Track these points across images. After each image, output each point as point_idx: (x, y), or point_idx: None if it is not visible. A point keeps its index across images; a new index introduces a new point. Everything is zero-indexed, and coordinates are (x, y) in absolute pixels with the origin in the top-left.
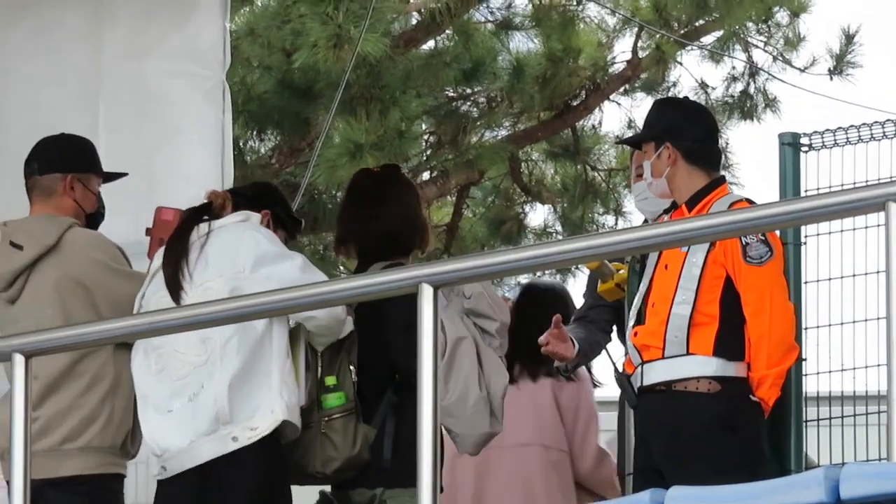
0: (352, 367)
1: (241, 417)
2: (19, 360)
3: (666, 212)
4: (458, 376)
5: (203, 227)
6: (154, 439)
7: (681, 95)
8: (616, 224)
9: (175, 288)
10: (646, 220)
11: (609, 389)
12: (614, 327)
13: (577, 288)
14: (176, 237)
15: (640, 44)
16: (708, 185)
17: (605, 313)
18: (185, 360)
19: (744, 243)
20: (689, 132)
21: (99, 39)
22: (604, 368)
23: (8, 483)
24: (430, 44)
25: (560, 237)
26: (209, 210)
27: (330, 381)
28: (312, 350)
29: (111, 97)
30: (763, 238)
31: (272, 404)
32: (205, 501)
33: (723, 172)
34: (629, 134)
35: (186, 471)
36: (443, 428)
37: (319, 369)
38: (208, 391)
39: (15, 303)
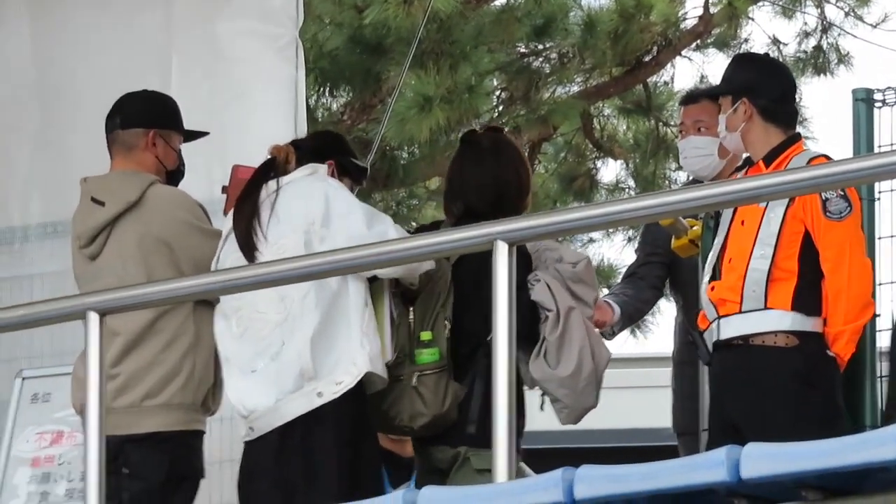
0: (447, 323)
1: (324, 372)
2: (94, 317)
3: (738, 169)
4: (573, 348)
5: (271, 184)
6: (240, 401)
7: (752, 51)
8: (687, 179)
9: (249, 248)
10: (688, 177)
11: (665, 345)
12: (666, 283)
13: None
14: (244, 197)
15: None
16: (784, 142)
17: (655, 269)
18: (266, 319)
19: (823, 198)
20: (766, 89)
21: (170, 1)
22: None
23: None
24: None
25: (632, 193)
26: (274, 165)
27: (425, 336)
28: (405, 304)
29: (184, 58)
30: (843, 193)
31: (354, 357)
32: (289, 457)
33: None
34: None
35: (268, 434)
36: (547, 398)
37: (412, 323)
38: (290, 348)
39: (96, 259)
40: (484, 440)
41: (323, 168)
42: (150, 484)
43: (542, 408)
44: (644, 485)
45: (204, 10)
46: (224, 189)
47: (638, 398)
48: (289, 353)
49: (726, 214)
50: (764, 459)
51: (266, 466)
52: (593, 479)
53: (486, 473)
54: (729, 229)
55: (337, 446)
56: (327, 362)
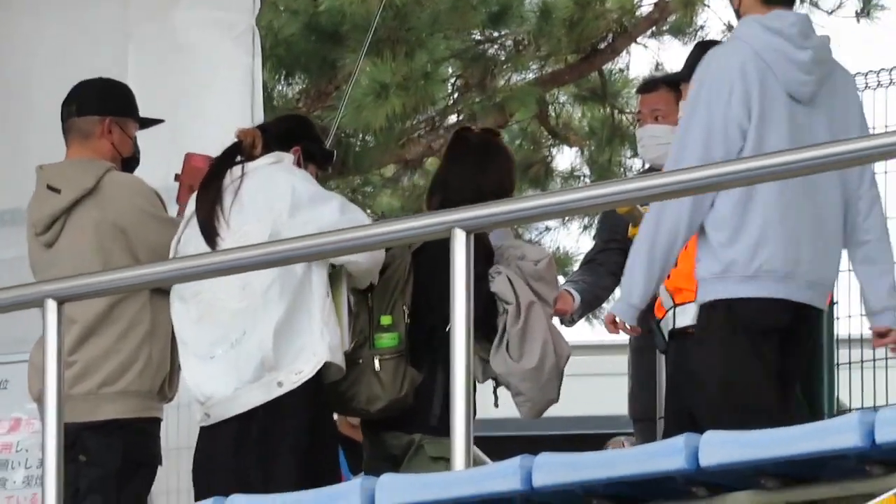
0: (405, 309)
1: (284, 362)
2: (52, 305)
3: None
4: (535, 341)
5: (236, 170)
6: (197, 386)
7: (709, 38)
8: (643, 167)
9: (210, 233)
10: (643, 165)
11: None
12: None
13: None
14: (209, 181)
15: None
16: None
17: (614, 256)
18: (225, 306)
19: None
20: None
21: None
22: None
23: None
24: None
25: (587, 181)
26: (240, 149)
27: (385, 320)
28: (363, 290)
29: (140, 47)
30: None
31: (314, 347)
32: (247, 446)
33: None
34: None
35: (225, 421)
36: (509, 391)
37: (371, 307)
38: (252, 338)
39: (52, 246)
40: (442, 429)
41: (288, 157)
42: (107, 471)
43: (496, 404)
44: (603, 472)
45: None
46: (177, 177)
47: (593, 386)
48: (250, 342)
49: None
50: (722, 447)
51: (223, 454)
52: (552, 466)
53: (440, 461)
54: None
55: (295, 436)
56: (289, 352)
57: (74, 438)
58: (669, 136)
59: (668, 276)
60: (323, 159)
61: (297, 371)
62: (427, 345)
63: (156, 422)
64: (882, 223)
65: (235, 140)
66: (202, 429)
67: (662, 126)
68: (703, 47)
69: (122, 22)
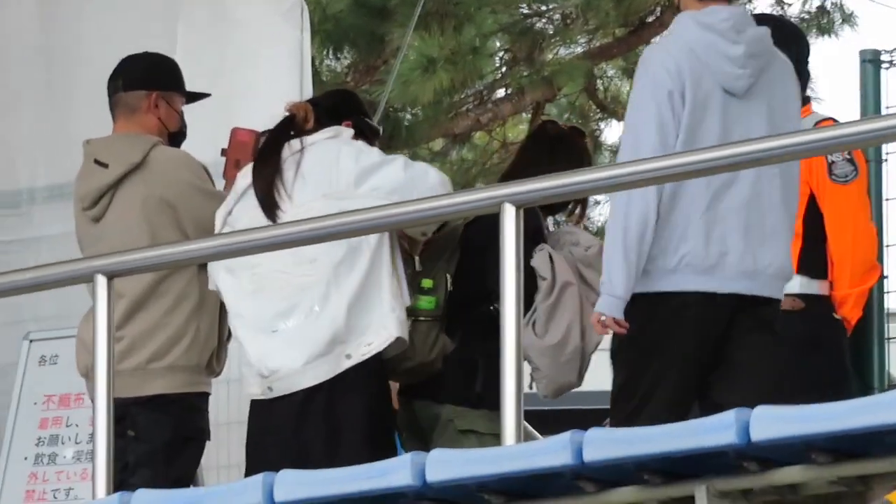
0: (448, 277)
1: (354, 335)
2: (101, 280)
3: None
4: (562, 321)
5: (295, 143)
6: (260, 360)
7: (756, 11)
8: None
9: (270, 207)
10: None
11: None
12: None
13: None
14: (266, 154)
15: None
16: None
17: None
18: (289, 280)
19: (829, 161)
20: (783, 51)
21: None
22: None
23: (93, 400)
24: None
25: None
26: (293, 123)
27: (426, 283)
28: (409, 254)
29: (189, 21)
30: (849, 157)
31: (384, 320)
32: (311, 420)
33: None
34: None
35: (290, 395)
36: (528, 364)
37: (414, 269)
38: (325, 312)
39: (99, 221)
40: (471, 400)
41: (347, 131)
42: (156, 446)
43: (530, 387)
44: (653, 447)
45: None
46: (223, 151)
47: None
48: (323, 317)
49: None
50: (773, 422)
51: (284, 428)
52: (602, 441)
53: (469, 434)
54: None
55: (361, 410)
56: (358, 326)
57: (123, 413)
58: None
59: None
60: (371, 134)
61: (367, 343)
62: (464, 315)
63: (204, 396)
64: None
65: (287, 114)
66: (258, 402)
67: None
68: (758, 21)
69: None
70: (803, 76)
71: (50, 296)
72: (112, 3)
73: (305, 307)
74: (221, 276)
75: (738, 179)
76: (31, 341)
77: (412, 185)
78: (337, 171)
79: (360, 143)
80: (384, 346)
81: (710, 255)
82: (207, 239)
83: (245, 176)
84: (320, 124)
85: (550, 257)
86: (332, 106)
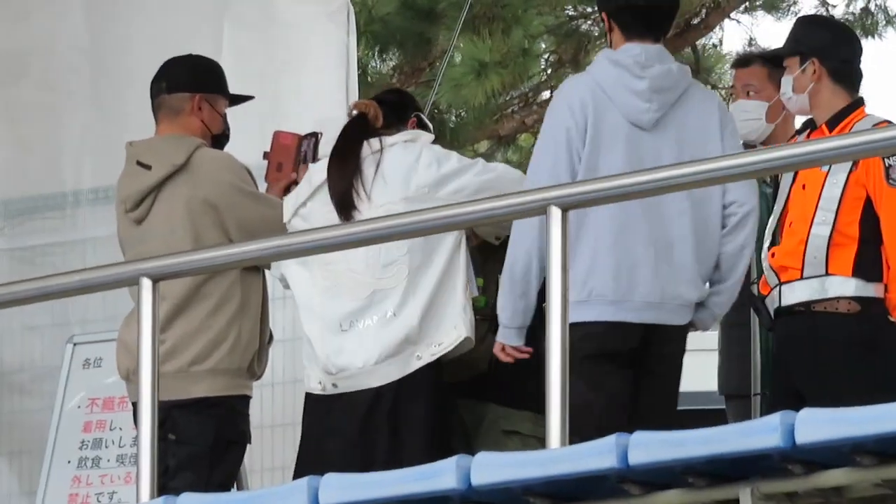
0: (498, 276)
1: (425, 335)
2: (147, 284)
3: (799, 132)
4: None
5: (374, 143)
6: (328, 357)
7: (801, 13)
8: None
9: (346, 206)
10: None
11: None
12: None
13: None
14: (346, 152)
15: None
16: (848, 106)
17: None
18: (363, 280)
19: (887, 165)
20: (838, 51)
21: None
22: None
23: (134, 405)
24: None
25: None
26: (366, 122)
27: (479, 281)
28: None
29: (236, 22)
30: None
31: (454, 320)
32: (377, 419)
33: None
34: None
35: (355, 393)
36: None
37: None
38: (401, 317)
39: (142, 223)
40: (516, 401)
41: (426, 136)
42: (197, 449)
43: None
44: (699, 450)
45: None
46: (265, 155)
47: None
48: (398, 321)
49: (786, 178)
50: (819, 424)
51: (348, 426)
52: (648, 444)
53: (513, 436)
54: (789, 193)
55: (427, 410)
56: (430, 327)
57: (164, 417)
58: (760, 112)
59: (773, 255)
60: (428, 133)
61: (438, 343)
62: None
63: (245, 399)
64: (734, 248)
65: (356, 112)
66: (317, 398)
67: (753, 101)
68: (809, 21)
69: None
70: (856, 77)
71: (96, 299)
72: (158, 6)
73: (381, 311)
74: (293, 268)
75: (646, 215)
76: (75, 344)
77: (493, 186)
78: (416, 175)
79: (439, 148)
80: (454, 346)
81: (619, 287)
82: (251, 242)
83: (321, 170)
84: (388, 122)
85: None
86: (395, 103)
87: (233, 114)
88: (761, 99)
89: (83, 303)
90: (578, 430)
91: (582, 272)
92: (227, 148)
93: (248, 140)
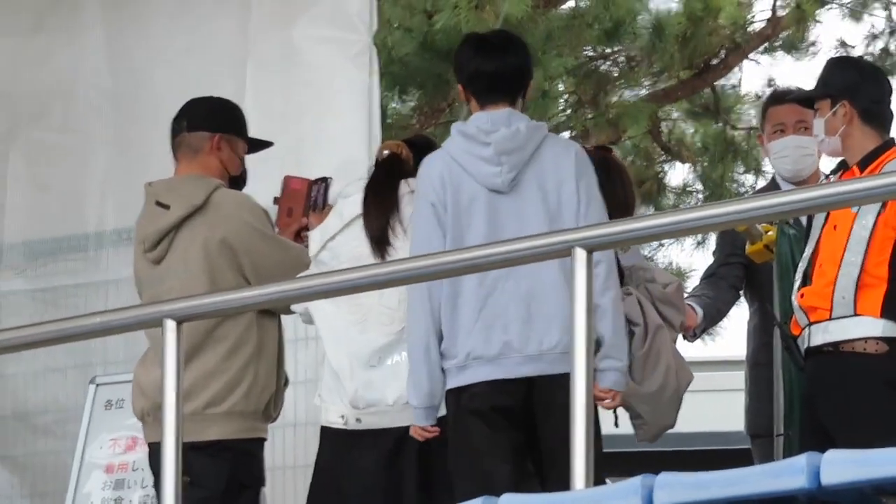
0: None
1: None
2: (171, 325)
3: (833, 172)
4: (659, 367)
5: (412, 182)
6: (357, 391)
7: (821, 54)
8: (756, 183)
9: (382, 242)
10: (773, 180)
11: (736, 349)
12: (743, 284)
13: None
14: (382, 190)
15: (779, 2)
16: (880, 147)
17: (735, 270)
18: (395, 316)
19: None
20: (867, 92)
21: (246, 7)
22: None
23: (150, 445)
24: (571, 3)
25: (700, 197)
26: (399, 161)
27: None
28: None
29: (259, 64)
30: None
31: None
32: (404, 458)
33: None
34: (768, 92)
35: (379, 430)
36: (627, 412)
37: None
38: None
39: (160, 263)
40: None
41: None
42: (212, 492)
43: (616, 424)
44: (725, 491)
45: (279, 17)
46: (276, 200)
47: (707, 402)
48: None
49: (818, 219)
50: (845, 466)
51: (373, 463)
52: (673, 485)
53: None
54: (821, 234)
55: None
56: None
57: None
58: (814, 148)
59: (802, 295)
60: None
61: None
62: None
63: (260, 442)
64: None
65: (387, 153)
66: (335, 433)
67: (808, 137)
68: (839, 63)
69: (241, 37)
70: (886, 117)
71: (117, 340)
72: (181, 47)
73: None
74: (319, 302)
75: (512, 274)
76: (97, 385)
77: None
78: None
79: None
80: None
81: (493, 345)
82: (274, 284)
83: (354, 204)
84: (416, 164)
85: (639, 302)
86: (423, 145)
87: (254, 156)
88: (810, 135)
89: (105, 344)
90: (464, 475)
91: (460, 338)
92: (248, 190)
93: (270, 183)
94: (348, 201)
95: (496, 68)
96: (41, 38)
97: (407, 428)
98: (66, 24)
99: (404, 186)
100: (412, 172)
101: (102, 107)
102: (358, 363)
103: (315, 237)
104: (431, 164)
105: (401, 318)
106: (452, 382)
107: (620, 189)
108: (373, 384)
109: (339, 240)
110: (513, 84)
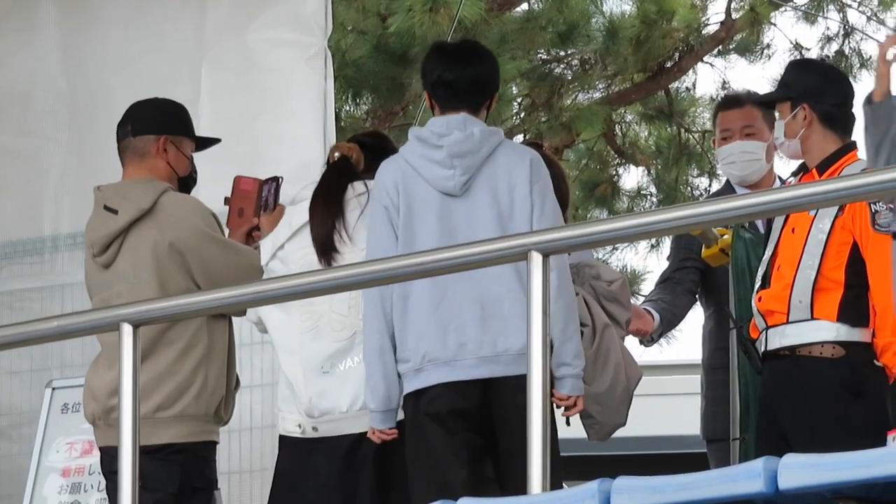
0: None
1: None
2: (127, 329)
3: (794, 174)
4: (609, 364)
5: (358, 185)
6: (311, 400)
7: (775, 57)
8: (710, 186)
9: (328, 248)
10: (727, 183)
11: (692, 352)
12: (699, 289)
13: None
14: (329, 195)
15: (733, 5)
16: (840, 150)
17: (690, 274)
18: (347, 322)
19: (873, 210)
20: (828, 95)
21: (202, 10)
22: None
23: (101, 449)
24: (525, 7)
25: (654, 200)
26: (349, 165)
27: None
28: None
29: (214, 67)
30: (893, 206)
31: None
32: (360, 462)
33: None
34: (722, 94)
35: (335, 437)
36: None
37: None
38: None
39: (109, 267)
40: None
41: None
42: (163, 496)
43: (567, 423)
44: (683, 495)
45: (235, 20)
46: (226, 200)
47: (662, 405)
48: None
49: (778, 222)
50: (802, 470)
51: (329, 469)
52: (631, 489)
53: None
54: (780, 237)
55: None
56: None
57: None
58: (761, 153)
59: (759, 299)
60: None
61: None
62: None
63: (212, 445)
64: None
65: (338, 155)
66: (292, 442)
67: (755, 142)
68: (800, 66)
69: (197, 40)
70: (847, 121)
71: (75, 343)
72: (137, 50)
73: (361, 351)
74: (269, 311)
75: (465, 275)
76: (53, 389)
77: None
78: None
79: None
80: None
81: (449, 348)
82: (233, 288)
83: (302, 211)
84: (367, 165)
85: (586, 302)
86: (376, 147)
87: (210, 158)
88: (759, 140)
89: (62, 348)
90: (421, 479)
91: (413, 340)
92: (204, 192)
93: (225, 185)
94: (297, 208)
95: (456, 78)
96: None
97: (363, 433)
98: (22, 27)
99: (350, 191)
100: (361, 175)
101: (58, 109)
102: (311, 371)
103: (265, 246)
104: (386, 169)
105: (352, 323)
106: (410, 386)
107: (554, 183)
108: (326, 393)
109: (287, 248)
110: (474, 94)
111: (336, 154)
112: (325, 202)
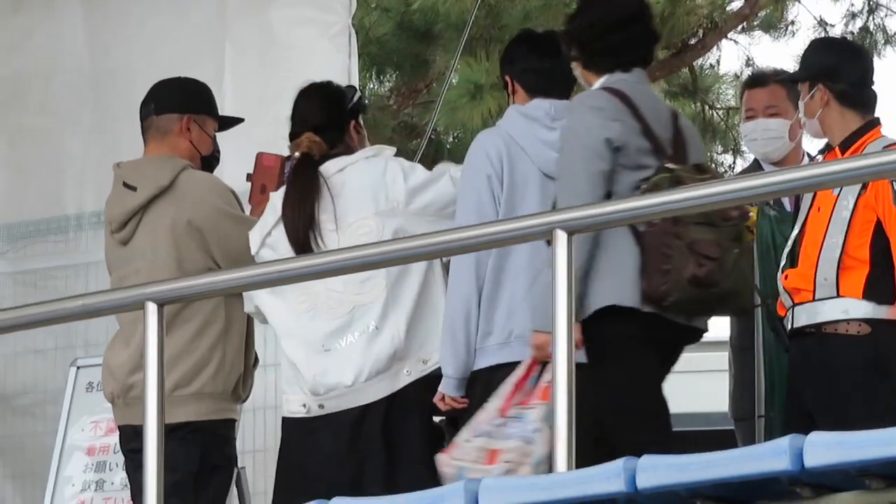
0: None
1: (411, 351)
2: (152, 308)
3: (821, 152)
4: None
5: (330, 166)
6: (315, 378)
7: (799, 34)
8: (734, 163)
9: (304, 246)
10: (755, 161)
11: (718, 330)
12: None
13: None
14: (300, 183)
15: None
16: (861, 128)
17: None
18: (343, 298)
19: (895, 187)
20: (844, 74)
21: None
22: None
23: (120, 428)
24: None
25: None
26: (313, 162)
27: None
28: None
29: (237, 46)
30: None
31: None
32: (367, 437)
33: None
34: (747, 72)
35: (340, 412)
36: None
37: None
38: (386, 330)
39: (127, 244)
40: None
41: (389, 149)
42: (183, 474)
43: None
44: (707, 473)
45: None
46: (249, 176)
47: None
48: (384, 334)
49: (806, 200)
50: (828, 448)
51: (336, 445)
52: (656, 467)
53: None
54: (807, 216)
55: (421, 428)
56: (415, 342)
57: None
58: (783, 130)
59: (786, 277)
60: (363, 109)
61: (425, 359)
62: None
63: (230, 423)
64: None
65: (298, 154)
66: (297, 421)
67: (777, 120)
68: (817, 45)
69: (220, 19)
70: (867, 98)
71: (99, 322)
72: (159, 29)
73: (362, 325)
74: (264, 298)
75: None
76: (78, 367)
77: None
78: (385, 189)
79: (403, 160)
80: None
81: (527, 327)
82: (257, 266)
83: (281, 199)
84: (329, 144)
85: None
86: (324, 127)
87: (233, 137)
88: (783, 118)
89: (86, 326)
90: None
91: (503, 316)
92: (227, 170)
93: (249, 162)
94: (280, 192)
95: (552, 64)
96: (19, 19)
97: (367, 405)
98: (44, 5)
99: (324, 173)
100: (328, 157)
101: (81, 89)
102: (313, 350)
103: (254, 236)
104: (489, 140)
105: (349, 299)
106: (487, 361)
107: None
108: (329, 370)
109: (274, 235)
110: (568, 80)
111: (296, 154)
112: (301, 189)
